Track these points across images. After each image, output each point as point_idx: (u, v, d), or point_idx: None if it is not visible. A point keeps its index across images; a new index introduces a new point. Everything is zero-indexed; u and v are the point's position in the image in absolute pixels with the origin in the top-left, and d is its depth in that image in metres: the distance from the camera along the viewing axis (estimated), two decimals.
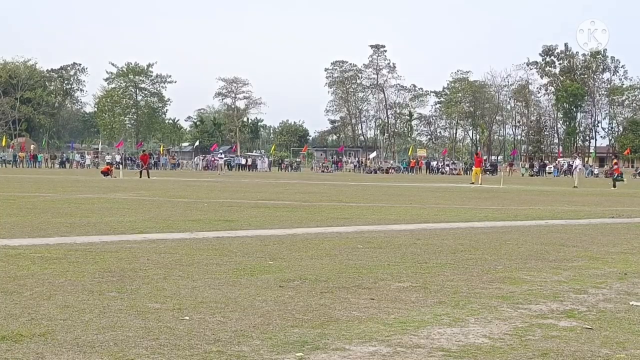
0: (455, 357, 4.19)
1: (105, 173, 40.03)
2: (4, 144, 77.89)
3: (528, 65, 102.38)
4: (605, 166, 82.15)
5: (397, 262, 7.93)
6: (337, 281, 6.65)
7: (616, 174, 38.34)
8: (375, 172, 70.41)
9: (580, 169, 43.71)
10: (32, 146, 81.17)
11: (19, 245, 8.75)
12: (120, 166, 52.43)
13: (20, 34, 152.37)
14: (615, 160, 41.21)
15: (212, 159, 74.05)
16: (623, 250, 9.49)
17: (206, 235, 10.12)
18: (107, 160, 63.02)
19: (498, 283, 6.70)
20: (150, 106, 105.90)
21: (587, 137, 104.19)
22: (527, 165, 78.17)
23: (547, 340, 4.62)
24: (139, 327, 4.71)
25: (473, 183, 36.80)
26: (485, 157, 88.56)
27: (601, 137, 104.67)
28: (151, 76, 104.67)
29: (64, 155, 77.73)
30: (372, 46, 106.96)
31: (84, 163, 73.93)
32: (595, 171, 73.98)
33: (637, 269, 7.80)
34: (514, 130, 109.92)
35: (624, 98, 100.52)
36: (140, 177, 39.15)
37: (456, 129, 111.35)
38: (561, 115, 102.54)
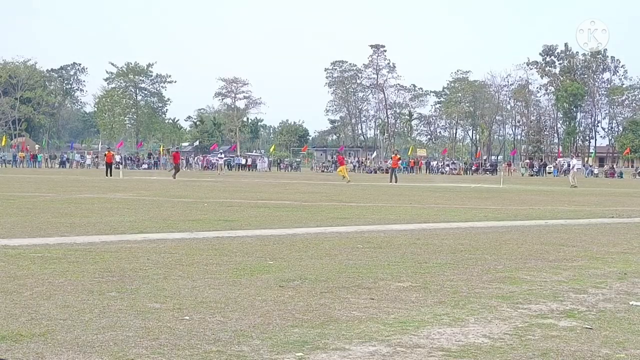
0: (455, 357, 4.19)
1: (109, 164, 41.59)
2: (3, 143, 77.89)
3: (528, 65, 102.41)
4: (605, 166, 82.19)
5: (397, 262, 7.93)
6: (337, 281, 6.65)
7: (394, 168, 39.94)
8: (375, 172, 70.41)
9: (578, 168, 43.80)
10: (36, 146, 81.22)
11: (19, 245, 8.75)
12: (120, 166, 52.39)
13: (20, 34, 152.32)
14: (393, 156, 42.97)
15: (203, 158, 73.87)
16: (623, 250, 9.50)
17: (206, 235, 10.12)
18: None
19: (498, 283, 6.70)
20: (150, 106, 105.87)
21: (587, 137, 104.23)
22: (526, 165, 78.12)
23: (547, 340, 4.62)
24: (139, 327, 4.71)
25: (349, 181, 36.57)
26: (485, 157, 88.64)
27: (601, 137, 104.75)
28: (151, 76, 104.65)
29: (64, 155, 77.72)
30: (372, 46, 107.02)
31: (84, 163, 73.93)
32: (595, 171, 73.98)
33: (637, 269, 7.81)
34: (513, 130, 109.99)
35: (623, 98, 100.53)
36: (174, 177, 36.68)
37: (456, 129, 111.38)
38: (561, 115, 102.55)
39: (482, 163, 79.91)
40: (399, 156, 44.34)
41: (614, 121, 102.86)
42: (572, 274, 7.31)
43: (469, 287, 6.42)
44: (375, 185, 34.13)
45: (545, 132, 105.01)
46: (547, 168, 74.38)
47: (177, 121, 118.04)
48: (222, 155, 71.53)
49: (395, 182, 37.57)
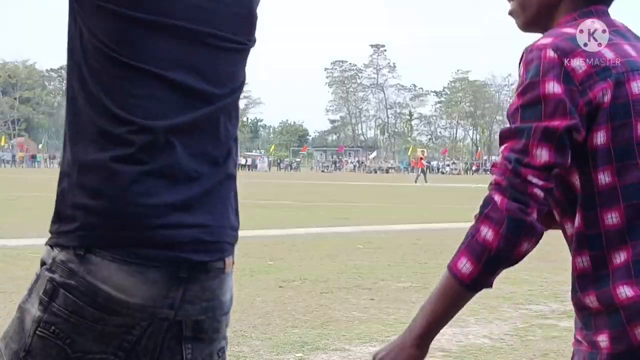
0: (455, 357, 4.18)
1: None
2: (3, 143, 77.88)
3: None
4: None
5: (397, 262, 7.93)
6: (337, 281, 6.65)
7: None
8: (375, 172, 70.44)
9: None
10: (39, 146, 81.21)
11: (18, 246, 8.74)
12: None
13: (20, 34, 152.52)
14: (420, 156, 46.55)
15: None
16: None
17: None
18: None
19: (498, 283, 6.65)
20: None
21: None
22: None
23: (547, 340, 4.61)
24: None
25: None
26: (485, 157, 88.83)
27: None
28: None
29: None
30: (372, 46, 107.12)
31: None
32: None
33: None
34: None
35: None
36: None
37: (456, 129, 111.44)
38: None
39: (482, 163, 79.93)
40: (421, 156, 46.59)
41: None
42: None
43: None
44: (375, 185, 34.14)
45: None
46: None
47: None
48: None
49: (415, 182, 38.84)
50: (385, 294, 6.10)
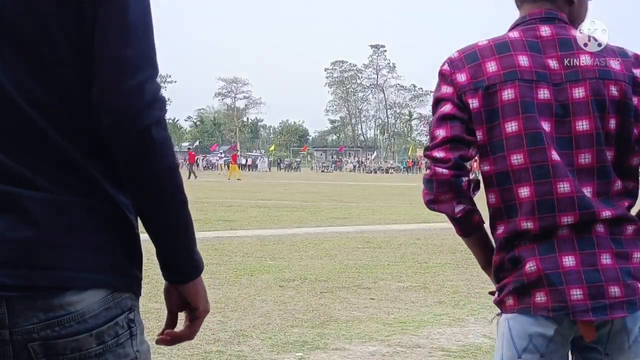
0: (455, 357, 4.19)
1: None
2: None
3: None
4: None
5: (397, 262, 7.94)
6: (337, 281, 6.66)
7: None
8: (375, 172, 70.44)
9: None
10: None
11: None
12: None
13: None
14: None
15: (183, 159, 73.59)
16: None
17: (206, 235, 10.11)
18: None
19: None
20: None
21: None
22: None
23: None
24: None
25: (239, 179, 36.60)
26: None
27: None
28: None
29: None
30: (372, 46, 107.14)
31: None
32: None
33: None
34: None
35: None
36: (189, 177, 36.62)
37: None
38: None
39: None
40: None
41: None
42: None
43: (469, 287, 6.42)
44: (375, 185, 34.14)
45: None
46: None
47: (177, 121, 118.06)
48: (222, 155, 71.47)
49: None
50: (385, 293, 6.11)
